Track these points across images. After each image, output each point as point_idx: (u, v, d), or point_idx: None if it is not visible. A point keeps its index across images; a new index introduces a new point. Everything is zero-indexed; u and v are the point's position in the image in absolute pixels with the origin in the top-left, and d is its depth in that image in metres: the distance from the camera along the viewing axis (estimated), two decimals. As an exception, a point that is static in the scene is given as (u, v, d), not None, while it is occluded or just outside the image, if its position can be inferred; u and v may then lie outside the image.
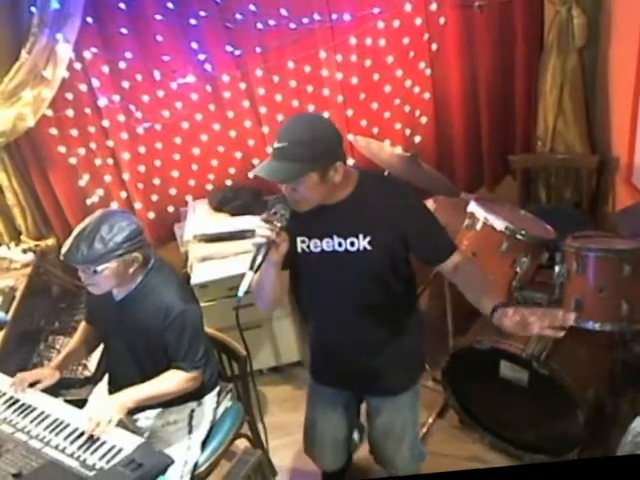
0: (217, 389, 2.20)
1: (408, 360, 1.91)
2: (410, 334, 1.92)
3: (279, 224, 1.62)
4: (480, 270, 1.84)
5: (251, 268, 1.61)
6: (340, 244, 1.74)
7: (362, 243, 1.73)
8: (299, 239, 1.76)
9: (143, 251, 1.91)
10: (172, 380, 1.95)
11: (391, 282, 1.81)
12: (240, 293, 1.60)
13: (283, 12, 2.88)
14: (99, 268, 1.83)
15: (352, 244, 1.73)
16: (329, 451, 2.17)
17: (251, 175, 1.71)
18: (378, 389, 1.97)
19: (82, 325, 2.23)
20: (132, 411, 1.92)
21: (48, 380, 2.04)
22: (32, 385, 2.03)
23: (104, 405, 1.89)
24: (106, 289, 1.94)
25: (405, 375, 1.96)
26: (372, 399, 2.04)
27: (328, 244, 1.75)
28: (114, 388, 2.04)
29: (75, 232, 1.85)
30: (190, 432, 2.09)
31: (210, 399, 2.16)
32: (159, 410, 2.08)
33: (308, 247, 1.77)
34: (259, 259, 1.61)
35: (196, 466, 2.08)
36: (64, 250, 1.85)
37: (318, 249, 1.76)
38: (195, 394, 2.08)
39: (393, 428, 2.03)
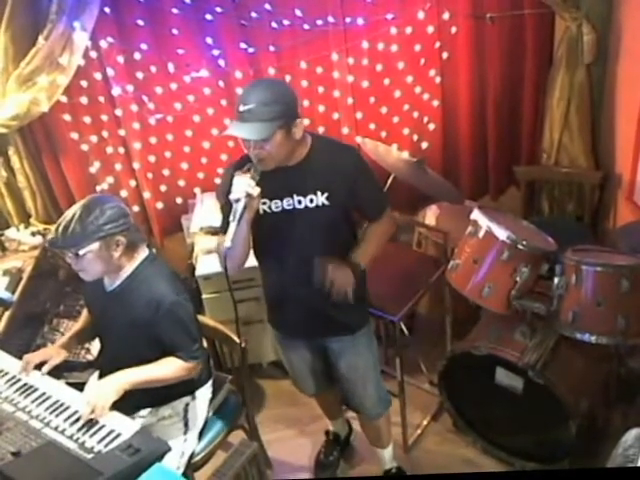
0: (210, 381, 2.21)
1: (358, 299, 2.03)
2: (359, 278, 2.06)
3: (254, 180, 1.78)
4: (382, 231, 2.11)
5: (233, 220, 1.77)
6: (300, 202, 1.92)
7: (320, 199, 1.91)
8: (260, 202, 1.89)
9: (128, 235, 1.90)
10: (170, 366, 1.96)
11: (343, 231, 2.03)
12: (227, 243, 1.77)
13: (298, 13, 2.90)
14: (81, 252, 1.83)
15: (311, 201, 1.92)
16: (305, 382, 2.37)
17: (224, 134, 1.83)
18: (336, 329, 2.11)
19: (85, 310, 2.25)
20: (126, 411, 1.90)
21: (54, 359, 2.05)
22: (39, 367, 2.04)
23: (100, 386, 1.89)
24: (95, 275, 1.94)
25: (358, 313, 2.13)
26: (332, 343, 2.16)
27: (288, 203, 1.92)
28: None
29: (60, 219, 1.87)
30: (186, 425, 2.10)
31: (204, 392, 2.18)
32: (152, 408, 2.09)
33: (269, 208, 1.94)
34: (239, 211, 1.77)
35: (192, 456, 2.10)
36: (49, 237, 1.87)
37: (279, 208, 1.92)
38: (188, 388, 2.10)
39: (357, 370, 2.19)
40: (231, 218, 1.78)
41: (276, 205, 1.93)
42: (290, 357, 2.31)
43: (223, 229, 1.93)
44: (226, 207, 1.89)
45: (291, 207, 1.92)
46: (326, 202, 1.91)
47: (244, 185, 1.77)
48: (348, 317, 2.09)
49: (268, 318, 2.26)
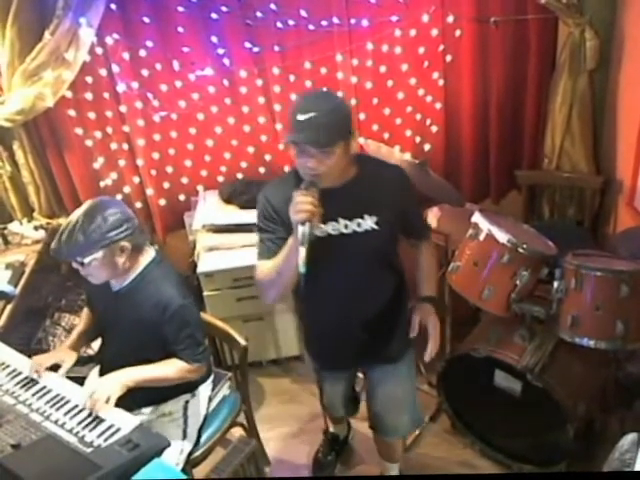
0: (210, 378, 2.22)
1: (403, 326, 1.97)
2: (403, 302, 2.01)
3: (316, 199, 1.63)
4: (433, 258, 2.07)
5: (302, 244, 1.60)
6: (346, 226, 1.78)
7: (369, 223, 1.79)
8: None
9: (132, 240, 1.89)
10: (173, 367, 1.97)
11: (390, 253, 1.93)
12: (301, 269, 1.61)
13: (303, 13, 2.91)
14: (85, 260, 1.83)
15: (359, 225, 1.78)
16: (338, 410, 2.40)
17: (288, 140, 1.66)
18: (381, 358, 2.03)
19: (86, 310, 2.25)
20: (127, 408, 1.90)
21: (68, 362, 2.05)
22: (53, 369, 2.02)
23: (103, 383, 1.89)
24: (102, 279, 1.94)
25: (402, 341, 2.01)
26: (374, 372, 2.10)
27: (334, 228, 1.78)
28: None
29: (62, 227, 1.85)
30: (185, 422, 2.11)
31: (204, 389, 2.19)
32: (153, 407, 2.09)
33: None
34: (306, 232, 1.60)
35: (191, 452, 2.10)
36: (52, 246, 1.85)
37: (323, 234, 1.77)
38: (189, 386, 2.11)
39: (395, 399, 2.11)
40: (299, 242, 1.62)
41: (320, 231, 1.75)
42: (326, 387, 2.24)
43: (266, 256, 1.80)
44: (275, 230, 1.79)
45: (337, 232, 1.78)
46: (375, 226, 1.79)
47: (308, 205, 1.61)
48: (393, 345, 2.01)
49: (307, 348, 2.16)
